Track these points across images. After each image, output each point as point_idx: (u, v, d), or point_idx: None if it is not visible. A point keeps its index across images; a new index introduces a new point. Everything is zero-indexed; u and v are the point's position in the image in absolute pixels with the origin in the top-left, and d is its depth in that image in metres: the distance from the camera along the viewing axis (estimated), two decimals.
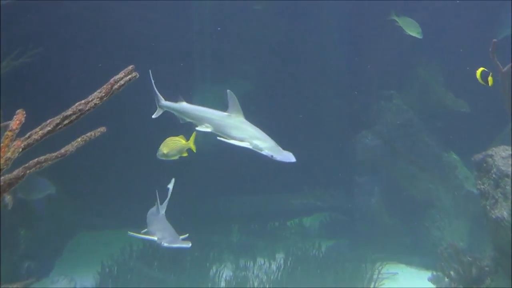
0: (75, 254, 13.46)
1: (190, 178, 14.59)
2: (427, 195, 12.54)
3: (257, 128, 7.68)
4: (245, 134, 7.58)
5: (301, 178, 14.96)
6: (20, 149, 2.89)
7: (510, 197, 6.76)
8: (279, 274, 11.71)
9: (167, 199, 8.68)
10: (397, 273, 12.40)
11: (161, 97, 8.38)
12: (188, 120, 8.13)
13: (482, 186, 7.52)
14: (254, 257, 13.16)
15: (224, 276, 11.93)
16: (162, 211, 8.52)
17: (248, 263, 12.90)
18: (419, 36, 10.93)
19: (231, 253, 13.46)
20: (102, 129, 3.15)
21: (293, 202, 15.16)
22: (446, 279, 8.15)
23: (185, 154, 8.38)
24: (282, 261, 12.15)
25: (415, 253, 12.69)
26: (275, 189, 14.89)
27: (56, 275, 11.22)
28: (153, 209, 8.80)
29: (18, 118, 2.97)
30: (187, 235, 8.44)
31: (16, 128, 2.93)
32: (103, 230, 14.22)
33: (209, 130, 7.77)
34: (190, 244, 8.19)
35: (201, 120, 7.90)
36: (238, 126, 7.66)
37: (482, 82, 7.34)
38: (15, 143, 2.89)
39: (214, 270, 11.96)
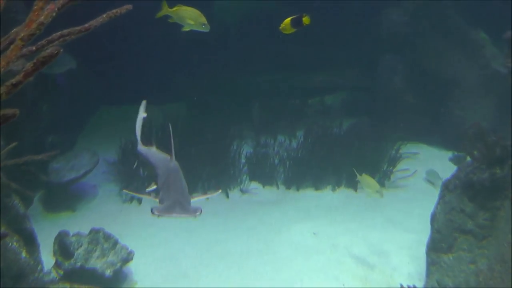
0: (97, 129, 13.62)
1: (208, 56, 14.39)
2: (452, 74, 12.24)
3: None
4: None
5: (323, 55, 14.68)
6: (54, 13, 2.71)
7: None
8: (300, 152, 11.71)
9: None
10: (418, 152, 12.39)
11: None
12: None
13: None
14: (274, 134, 13.18)
15: (244, 152, 12.00)
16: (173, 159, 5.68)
17: (269, 140, 12.95)
18: None
19: (251, 130, 13.49)
20: (128, 6, 3.01)
21: (314, 79, 14.87)
22: (468, 159, 8.08)
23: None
24: (302, 139, 12.14)
25: (437, 134, 12.60)
26: (297, 67, 14.64)
27: (79, 149, 11.36)
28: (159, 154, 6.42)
29: None
30: (220, 191, 7.07)
31: None
32: (124, 105, 14.27)
33: None
34: (198, 213, 4.98)
35: None
36: None
37: (294, 29, 6.63)
38: (49, 6, 2.72)
39: (235, 147, 11.95)
